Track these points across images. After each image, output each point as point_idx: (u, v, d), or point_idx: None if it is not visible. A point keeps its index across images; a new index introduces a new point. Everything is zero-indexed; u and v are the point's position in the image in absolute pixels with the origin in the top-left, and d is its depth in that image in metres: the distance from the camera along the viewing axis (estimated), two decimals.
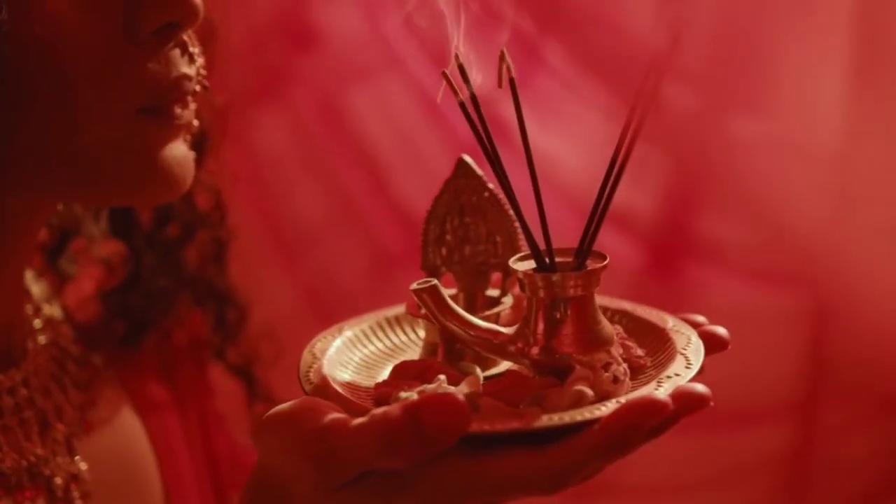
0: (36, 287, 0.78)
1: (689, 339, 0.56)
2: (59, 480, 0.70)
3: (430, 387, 0.52)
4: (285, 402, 0.51)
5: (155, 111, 0.62)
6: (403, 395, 0.52)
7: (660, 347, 0.57)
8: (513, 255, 0.56)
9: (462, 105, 0.53)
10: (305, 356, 0.57)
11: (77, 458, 0.73)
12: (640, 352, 0.56)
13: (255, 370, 0.89)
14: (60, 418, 0.73)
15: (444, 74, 0.53)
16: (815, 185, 1.11)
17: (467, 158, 0.62)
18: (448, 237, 0.62)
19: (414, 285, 0.54)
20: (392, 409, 0.47)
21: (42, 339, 0.74)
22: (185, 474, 0.82)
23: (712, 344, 0.56)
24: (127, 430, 0.79)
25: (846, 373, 1.09)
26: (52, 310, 0.77)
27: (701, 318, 0.59)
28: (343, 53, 1.09)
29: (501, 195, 0.61)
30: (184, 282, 0.83)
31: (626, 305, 0.61)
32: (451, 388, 0.52)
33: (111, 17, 0.60)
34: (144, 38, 0.60)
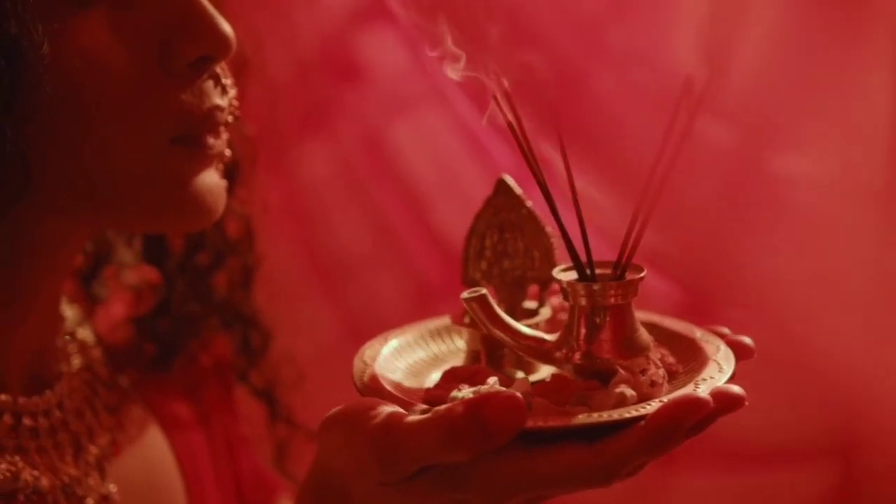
0: (69, 311, 0.79)
1: (719, 348, 0.60)
2: (91, 501, 0.72)
3: (484, 388, 0.56)
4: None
5: (188, 141, 0.64)
6: (459, 394, 0.55)
7: (690, 355, 0.61)
8: (549, 269, 0.61)
9: (510, 126, 0.57)
10: (357, 363, 0.61)
11: (108, 480, 0.74)
12: (671, 359, 0.61)
13: (278, 393, 0.91)
14: (92, 440, 0.74)
15: (494, 98, 0.57)
16: (857, 225, 1.10)
17: (507, 178, 0.66)
18: (487, 252, 0.66)
19: (465, 294, 0.57)
20: (454, 405, 0.50)
21: (75, 362, 0.76)
22: (211, 494, 0.84)
23: (739, 352, 0.60)
24: (154, 450, 0.81)
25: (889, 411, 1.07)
26: (85, 333, 0.79)
27: (725, 330, 0.63)
28: (386, 86, 1.11)
29: (539, 212, 0.65)
30: (212, 307, 0.85)
31: (655, 318, 0.65)
32: (505, 389, 0.55)
33: (146, 49, 0.62)
34: (179, 69, 0.63)
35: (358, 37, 1.11)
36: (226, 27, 0.64)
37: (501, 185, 0.66)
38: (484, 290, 0.57)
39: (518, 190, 0.66)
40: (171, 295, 0.84)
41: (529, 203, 0.65)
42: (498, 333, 0.57)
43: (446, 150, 1.09)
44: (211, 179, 0.66)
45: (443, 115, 1.09)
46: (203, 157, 0.65)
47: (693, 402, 0.50)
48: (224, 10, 0.71)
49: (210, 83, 0.64)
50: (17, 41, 0.57)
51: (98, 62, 0.60)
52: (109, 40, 0.61)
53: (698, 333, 0.62)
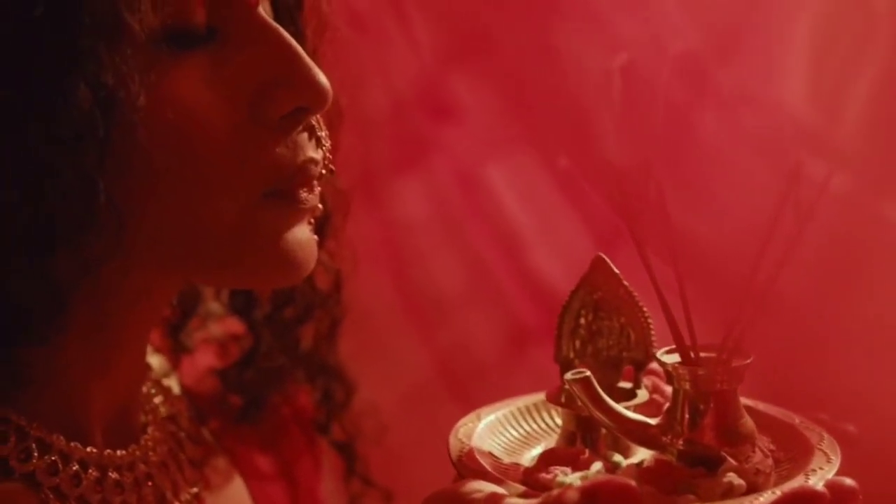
0: (155, 360, 0.79)
1: (822, 436, 0.59)
2: None
3: (590, 473, 0.57)
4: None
5: (280, 195, 0.62)
6: (566, 479, 0.56)
7: (792, 443, 0.60)
8: (646, 350, 0.62)
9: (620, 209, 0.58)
10: (453, 441, 0.61)
11: None
12: (772, 446, 0.60)
13: (358, 447, 0.90)
14: (177, 496, 0.73)
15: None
16: None
17: (604, 257, 0.66)
18: (582, 331, 0.65)
19: (568, 376, 0.57)
20: (566, 491, 0.49)
21: (160, 413, 0.76)
22: None
23: (842, 441, 0.58)
24: (237, 503, 0.80)
25: None
26: (170, 384, 0.79)
27: (824, 416, 0.62)
28: (483, 125, 1.09)
29: (636, 293, 0.64)
30: (298, 359, 0.84)
31: (749, 401, 0.63)
32: (616, 476, 0.56)
33: (241, 100, 0.61)
34: (273, 121, 0.61)
35: (454, 75, 1.10)
36: (322, 78, 0.62)
37: (598, 263, 0.65)
38: (588, 373, 0.57)
39: (615, 269, 0.65)
40: (257, 347, 0.83)
41: (626, 282, 0.65)
42: (601, 416, 0.57)
43: (542, 191, 1.07)
44: (302, 234, 0.64)
45: (539, 155, 1.07)
46: (295, 212, 0.63)
47: (810, 496, 0.49)
48: (319, 59, 0.70)
49: (304, 135, 0.63)
50: (113, 92, 0.56)
51: (193, 113, 0.59)
52: (205, 90, 0.60)
53: (797, 420, 0.62)
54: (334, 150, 0.68)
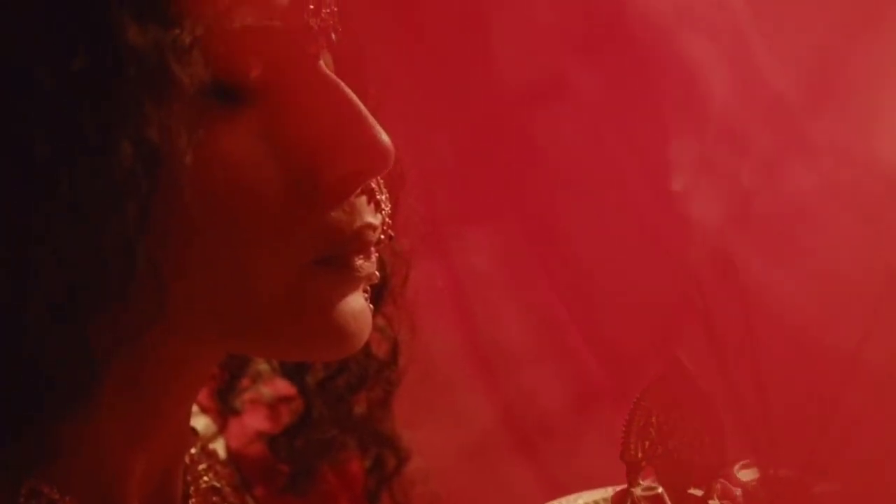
0: (200, 422, 0.76)
1: None
2: None
3: None
4: None
5: (334, 262, 0.58)
6: None
7: None
8: (719, 455, 0.59)
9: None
10: None
11: None
12: None
13: None
14: None
15: None
16: None
17: (680, 356, 0.63)
18: (652, 430, 0.63)
19: (638, 491, 0.57)
20: None
21: (204, 479, 0.72)
22: None
23: None
24: None
25: None
26: (216, 447, 0.76)
27: None
28: (559, 170, 1.05)
29: (711, 394, 0.61)
30: (350, 428, 0.80)
31: None
32: None
33: (296, 159, 0.57)
34: (329, 184, 0.57)
35: (531, 116, 1.06)
36: (384, 138, 0.58)
37: (673, 362, 0.62)
38: (660, 489, 0.56)
39: (690, 368, 0.62)
40: (307, 415, 0.79)
41: (701, 382, 0.61)
42: None
43: (619, 242, 1.02)
44: (356, 304, 0.60)
45: (619, 204, 1.02)
46: (349, 281, 0.59)
47: None
48: (382, 114, 0.65)
49: (363, 199, 0.59)
50: (157, 149, 0.52)
51: (244, 173, 0.55)
52: (257, 149, 0.56)
53: None
54: (395, 210, 0.64)
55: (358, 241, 0.58)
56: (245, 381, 0.80)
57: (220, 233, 0.55)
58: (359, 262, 0.59)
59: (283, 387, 0.81)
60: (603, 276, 1.04)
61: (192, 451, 0.73)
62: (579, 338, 1.05)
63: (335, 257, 0.58)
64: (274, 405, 0.81)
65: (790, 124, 0.94)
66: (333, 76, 0.59)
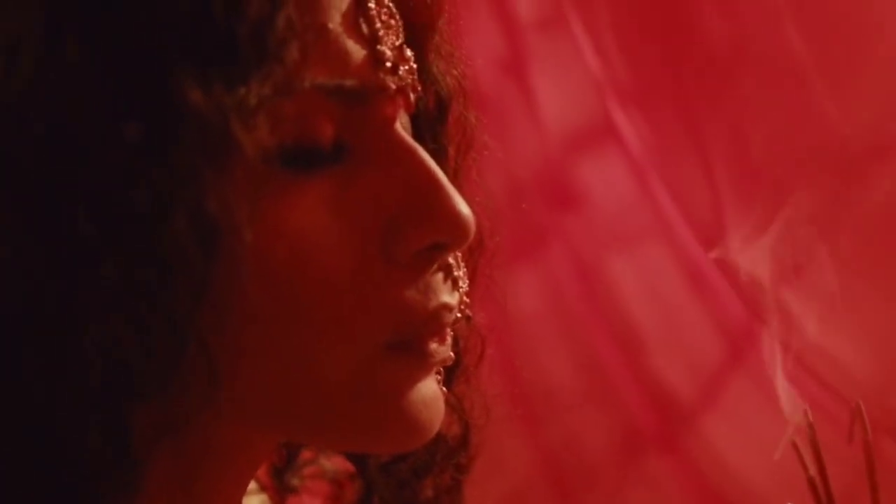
0: (256, 501, 0.71)
1: None
2: None
3: None
4: None
5: (406, 346, 0.52)
6: None
7: None
8: None
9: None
10: None
11: None
12: None
13: None
14: None
15: None
16: None
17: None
18: None
19: None
20: None
21: None
22: None
23: None
24: None
25: None
26: None
27: None
28: (607, 215, 1.04)
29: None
30: None
31: None
32: None
33: (368, 233, 0.51)
34: (404, 260, 0.51)
35: (579, 161, 1.05)
36: (464, 210, 0.51)
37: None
38: None
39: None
40: (367, 500, 0.71)
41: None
42: None
43: (667, 288, 1.01)
44: (428, 390, 0.53)
45: (666, 250, 1.01)
46: (422, 366, 0.53)
47: None
48: (461, 179, 0.60)
49: (439, 276, 0.53)
50: (215, 221, 0.46)
51: (311, 248, 0.50)
52: (326, 220, 0.50)
53: None
54: (472, 285, 0.58)
55: (433, 323, 0.52)
56: (306, 454, 0.74)
57: (282, 314, 0.50)
58: (433, 346, 0.53)
59: (345, 464, 0.74)
60: (651, 322, 1.02)
61: None
62: (626, 383, 1.03)
63: (408, 341, 0.52)
64: (336, 481, 0.74)
65: (855, 170, 0.93)
66: (411, 140, 0.53)
